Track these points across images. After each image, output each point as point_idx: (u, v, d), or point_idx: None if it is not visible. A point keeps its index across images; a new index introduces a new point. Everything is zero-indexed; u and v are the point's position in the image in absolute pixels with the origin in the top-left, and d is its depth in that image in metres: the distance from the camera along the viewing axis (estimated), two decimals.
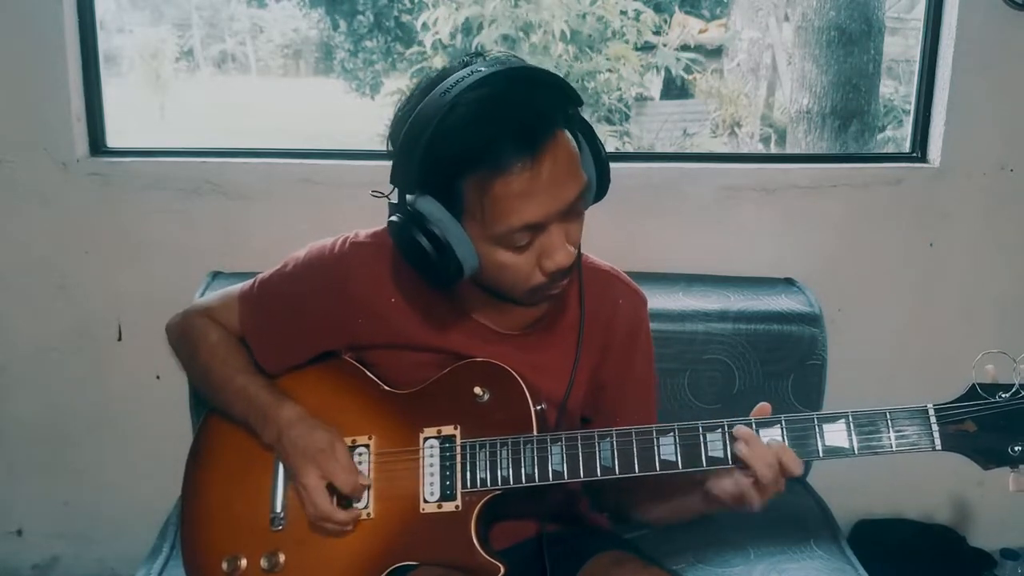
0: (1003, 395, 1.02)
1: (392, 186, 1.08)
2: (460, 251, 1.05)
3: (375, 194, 1.11)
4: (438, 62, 3.74)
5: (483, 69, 1.02)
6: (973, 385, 1.03)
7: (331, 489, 1.16)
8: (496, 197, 1.01)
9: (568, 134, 1.04)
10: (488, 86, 1.00)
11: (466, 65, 1.05)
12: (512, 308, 1.19)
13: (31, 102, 1.83)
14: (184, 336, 1.32)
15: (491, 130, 0.99)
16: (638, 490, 1.22)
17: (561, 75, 1.14)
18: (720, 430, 1.07)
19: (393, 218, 1.07)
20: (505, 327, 1.23)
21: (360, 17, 4.92)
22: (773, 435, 1.06)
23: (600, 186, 1.11)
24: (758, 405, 1.08)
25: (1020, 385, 1.01)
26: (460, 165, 1.01)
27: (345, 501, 1.17)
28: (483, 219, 1.03)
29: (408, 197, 1.06)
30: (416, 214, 1.04)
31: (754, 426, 1.07)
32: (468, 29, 3.78)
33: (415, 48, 3.94)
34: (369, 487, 1.18)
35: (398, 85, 4.68)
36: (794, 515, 1.66)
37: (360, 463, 1.19)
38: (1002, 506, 2.03)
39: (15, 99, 1.83)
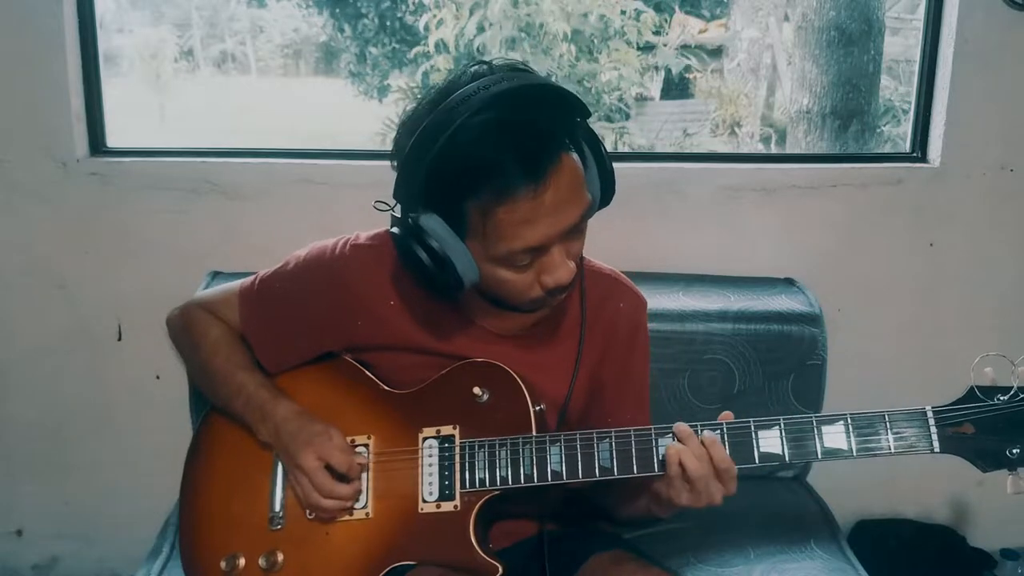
0: (1001, 398, 1.02)
1: (395, 200, 1.08)
2: (461, 266, 1.05)
3: (379, 206, 1.11)
4: (441, 62, 3.73)
5: (490, 87, 1.01)
6: (972, 388, 1.03)
7: (329, 471, 1.16)
8: (499, 222, 1.01)
9: (574, 155, 1.04)
10: (494, 108, 0.99)
11: (474, 78, 1.04)
12: (513, 313, 1.19)
13: (31, 102, 1.83)
14: (185, 330, 1.33)
15: (495, 156, 0.98)
16: (612, 490, 1.23)
17: (564, 78, 1.13)
18: (719, 431, 1.07)
19: (395, 230, 1.08)
20: (506, 330, 1.23)
21: (365, 21, 4.92)
22: (772, 437, 1.07)
23: (604, 197, 1.11)
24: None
25: (1019, 388, 1.01)
26: (463, 188, 1.01)
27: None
28: (484, 240, 1.03)
29: (412, 215, 1.06)
30: (418, 229, 1.05)
31: (753, 427, 1.07)
32: (466, 33, 3.78)
33: (419, 48, 3.93)
34: (366, 467, 1.19)
35: (400, 83, 4.68)
36: (794, 515, 1.66)
37: None
38: (1002, 506, 2.02)
39: (15, 99, 1.83)
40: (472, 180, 1.00)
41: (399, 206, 1.08)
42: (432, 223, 1.04)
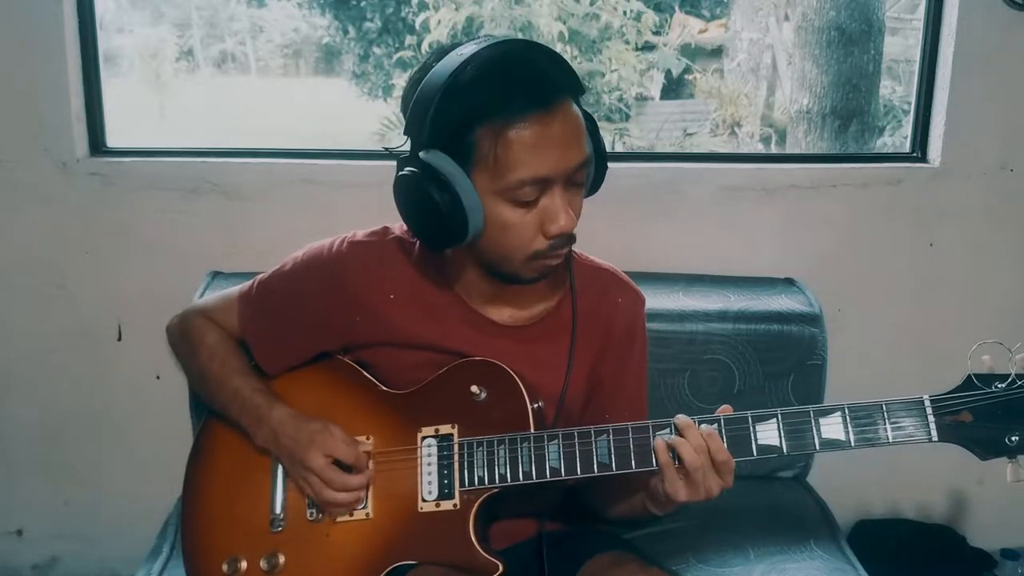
0: (999, 385, 1.01)
1: (405, 137, 1.10)
2: (467, 202, 1.05)
3: (386, 150, 1.12)
4: None
5: (498, 40, 1.06)
6: (969, 375, 1.02)
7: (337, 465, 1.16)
8: (508, 144, 1.02)
9: (576, 105, 1.07)
10: (504, 48, 1.05)
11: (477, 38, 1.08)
12: (512, 297, 1.20)
13: (31, 102, 1.83)
14: (184, 337, 1.33)
15: (506, 82, 1.03)
16: (605, 488, 1.23)
17: None
18: (716, 425, 1.07)
19: (403, 172, 1.09)
20: (506, 320, 1.23)
21: (368, 24, 4.94)
22: (769, 429, 1.06)
23: (597, 176, 1.13)
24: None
25: (1016, 375, 1.01)
26: (474, 115, 1.03)
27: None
28: (493, 169, 1.04)
29: (420, 153, 1.07)
30: (426, 166, 1.06)
31: (751, 420, 1.07)
32: (468, 30, 3.78)
33: (410, 52, 3.94)
34: (371, 455, 1.19)
35: (403, 83, 4.68)
36: (794, 515, 1.66)
37: None
38: (1002, 505, 2.03)
39: (15, 99, 1.83)
40: (481, 106, 1.02)
41: (407, 143, 1.10)
42: (438, 159, 1.05)
